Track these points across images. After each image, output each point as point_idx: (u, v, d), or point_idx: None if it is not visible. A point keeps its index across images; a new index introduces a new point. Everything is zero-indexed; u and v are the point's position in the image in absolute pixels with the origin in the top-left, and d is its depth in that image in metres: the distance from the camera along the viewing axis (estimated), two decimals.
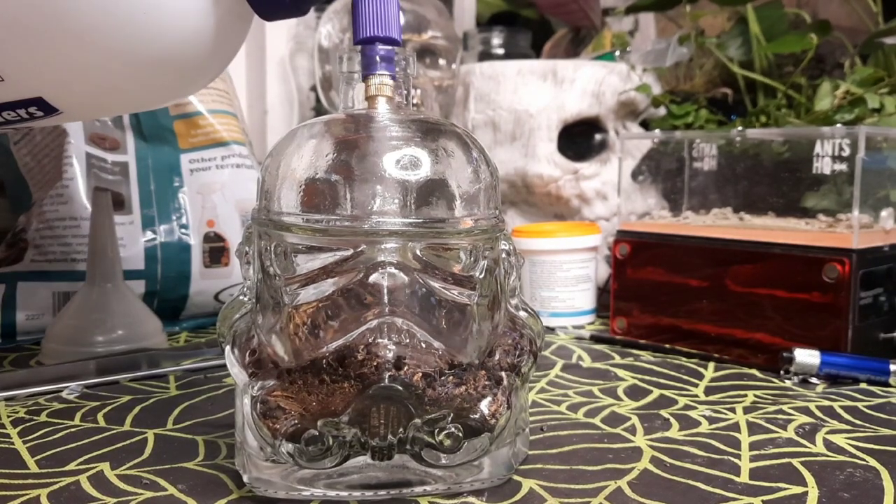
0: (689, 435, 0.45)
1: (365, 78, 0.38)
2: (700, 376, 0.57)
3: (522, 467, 0.40)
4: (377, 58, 0.38)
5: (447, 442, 0.34)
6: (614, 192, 0.81)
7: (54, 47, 0.37)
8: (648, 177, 0.77)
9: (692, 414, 0.49)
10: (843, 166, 0.60)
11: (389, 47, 0.38)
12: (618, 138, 0.82)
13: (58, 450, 0.43)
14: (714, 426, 0.46)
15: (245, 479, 0.37)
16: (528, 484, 0.38)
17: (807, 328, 0.58)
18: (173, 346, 0.66)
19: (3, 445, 0.43)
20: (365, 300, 0.35)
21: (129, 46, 0.37)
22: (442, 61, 0.87)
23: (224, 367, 0.40)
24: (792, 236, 0.60)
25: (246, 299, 0.39)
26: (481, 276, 0.36)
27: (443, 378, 0.34)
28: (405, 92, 0.39)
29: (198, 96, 0.75)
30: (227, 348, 0.38)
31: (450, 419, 0.34)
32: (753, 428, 0.46)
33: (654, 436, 0.45)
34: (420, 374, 0.34)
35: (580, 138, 0.83)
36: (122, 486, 0.38)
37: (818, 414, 0.49)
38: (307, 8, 0.40)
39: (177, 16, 0.37)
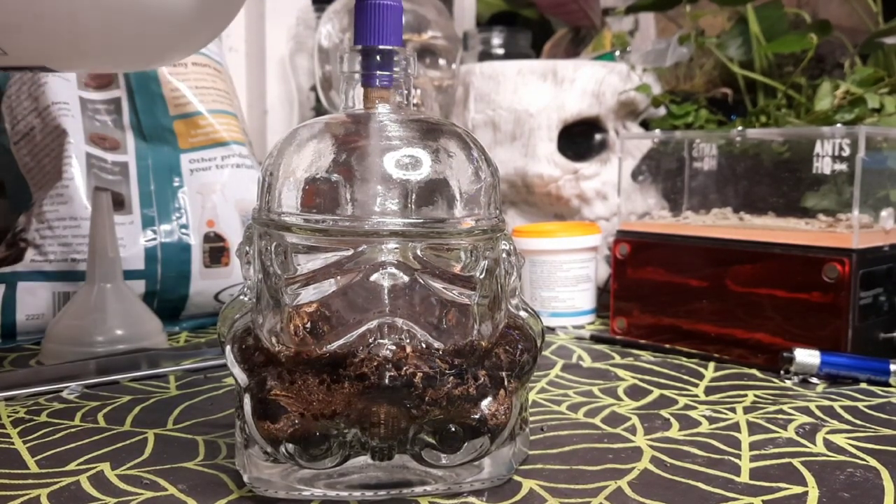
0: (690, 435, 0.45)
1: (364, 87, 0.38)
2: (700, 376, 0.57)
3: (522, 467, 0.40)
4: (376, 69, 0.38)
5: (447, 442, 0.35)
6: (614, 192, 0.81)
7: (53, 17, 0.37)
8: (648, 177, 0.77)
9: (692, 414, 0.49)
10: (843, 166, 0.60)
11: (389, 53, 0.38)
12: (618, 138, 0.82)
13: (58, 450, 0.43)
14: (714, 426, 0.46)
15: (245, 478, 0.37)
16: (528, 484, 0.38)
17: (807, 328, 0.58)
18: (173, 346, 0.66)
19: (3, 445, 0.43)
20: (365, 300, 0.35)
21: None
22: (442, 61, 0.87)
23: (224, 367, 0.40)
24: (792, 236, 0.60)
25: (246, 299, 0.39)
26: (482, 277, 0.36)
27: (443, 378, 0.34)
28: (405, 92, 0.39)
29: (198, 96, 0.75)
30: (228, 348, 0.38)
31: (450, 419, 0.34)
32: (753, 428, 0.46)
33: (654, 436, 0.45)
34: (420, 375, 0.34)
35: (580, 138, 0.83)
36: (122, 486, 0.38)
37: (818, 414, 0.49)
38: None
39: None
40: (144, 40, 0.41)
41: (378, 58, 0.38)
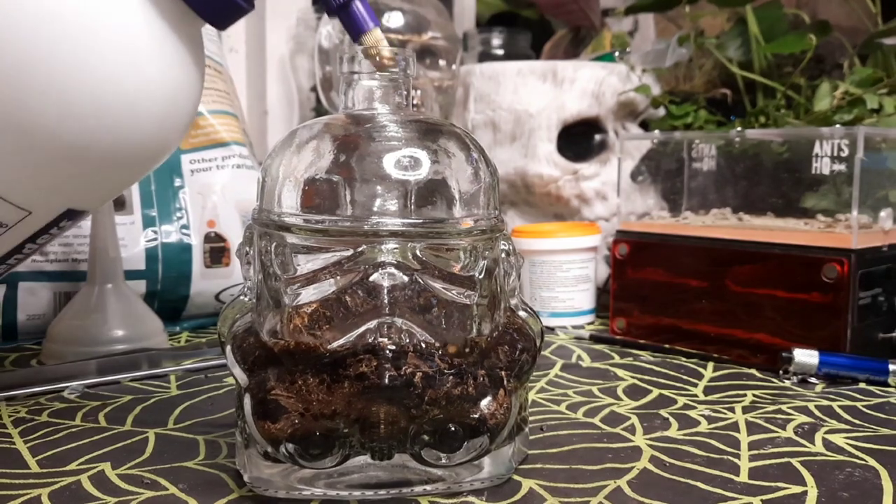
0: (689, 434, 0.45)
1: (357, 38, 0.38)
2: (699, 376, 0.57)
3: (522, 467, 0.40)
4: (364, 15, 0.39)
5: (447, 441, 0.35)
6: (614, 193, 0.81)
7: (62, 172, 0.40)
8: (648, 177, 0.77)
9: (692, 413, 0.49)
10: (842, 167, 0.60)
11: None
12: (617, 139, 0.82)
13: (59, 449, 0.43)
14: (713, 426, 0.47)
15: (245, 478, 0.37)
16: (527, 483, 0.38)
17: (806, 328, 0.58)
18: (174, 346, 0.66)
19: (4, 445, 0.44)
20: (365, 300, 0.35)
21: (120, 139, 0.41)
22: (442, 62, 0.88)
23: (225, 367, 0.40)
24: (791, 236, 0.60)
25: (246, 299, 0.39)
26: (481, 277, 0.36)
27: (442, 378, 0.34)
28: (405, 92, 0.39)
29: None
30: (228, 348, 0.38)
31: (449, 419, 0.35)
32: (753, 427, 0.46)
33: (653, 435, 0.45)
34: (420, 374, 0.34)
35: (580, 138, 0.83)
36: (122, 485, 0.38)
37: (817, 414, 0.49)
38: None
39: (150, 100, 0.41)
40: (150, 157, 0.45)
41: (360, 8, 0.39)
